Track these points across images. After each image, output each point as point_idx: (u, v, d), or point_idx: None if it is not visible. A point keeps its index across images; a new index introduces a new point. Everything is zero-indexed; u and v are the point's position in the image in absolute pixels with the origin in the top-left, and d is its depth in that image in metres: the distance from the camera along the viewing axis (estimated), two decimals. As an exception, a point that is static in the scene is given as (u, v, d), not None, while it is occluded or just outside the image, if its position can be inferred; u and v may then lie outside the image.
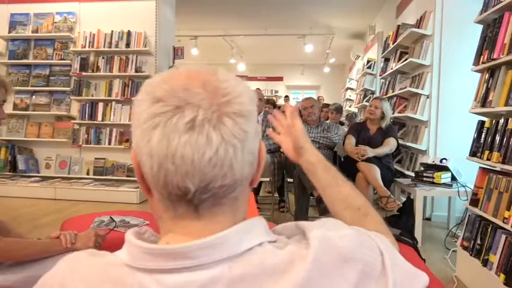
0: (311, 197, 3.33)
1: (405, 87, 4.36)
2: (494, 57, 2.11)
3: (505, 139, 2.02)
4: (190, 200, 0.46)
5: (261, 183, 4.06)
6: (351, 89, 9.74)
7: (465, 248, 2.40)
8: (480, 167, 2.34)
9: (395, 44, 4.55)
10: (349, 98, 9.74)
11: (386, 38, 5.21)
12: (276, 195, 4.07)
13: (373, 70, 6.74)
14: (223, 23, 8.17)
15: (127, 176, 4.80)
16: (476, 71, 2.39)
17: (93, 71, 4.75)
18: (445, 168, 3.26)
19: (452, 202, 3.49)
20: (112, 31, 4.72)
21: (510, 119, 2.01)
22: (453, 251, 2.86)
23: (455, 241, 2.95)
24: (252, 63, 11.46)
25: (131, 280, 0.45)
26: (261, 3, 6.79)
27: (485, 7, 2.29)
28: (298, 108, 5.17)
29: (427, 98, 3.86)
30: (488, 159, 2.16)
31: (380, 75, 5.39)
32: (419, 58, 3.87)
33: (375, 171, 3.20)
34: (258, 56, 11.09)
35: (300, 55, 10.45)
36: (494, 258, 2.07)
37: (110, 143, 4.79)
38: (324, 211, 3.00)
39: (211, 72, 0.49)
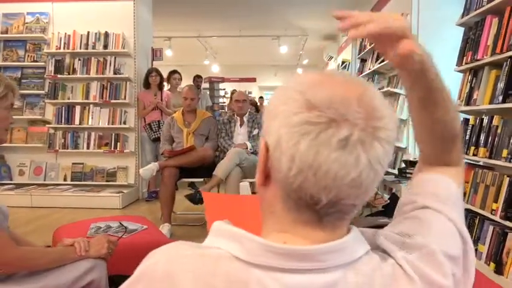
0: None
1: (383, 87, 4.52)
2: (478, 58, 2.24)
3: (490, 135, 2.15)
4: (317, 210, 0.46)
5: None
6: (324, 89, 9.94)
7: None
8: (465, 162, 2.47)
9: (372, 45, 4.69)
10: (322, 98, 9.92)
11: (362, 39, 5.36)
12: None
13: (348, 70, 6.91)
14: (197, 24, 8.11)
15: (107, 181, 4.68)
16: (459, 71, 2.51)
17: (69, 73, 4.59)
18: (427, 165, 3.40)
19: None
20: (88, 32, 4.58)
21: (495, 116, 2.13)
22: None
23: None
24: (226, 64, 11.45)
25: (245, 276, 0.45)
26: (235, 4, 6.81)
27: (467, 11, 2.42)
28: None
29: (406, 97, 4.00)
30: (474, 155, 2.29)
31: (357, 76, 5.52)
32: (398, 59, 4.00)
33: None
34: (231, 57, 11.09)
35: (273, 56, 10.55)
36: (483, 248, 2.19)
37: (88, 147, 4.65)
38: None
39: (362, 84, 0.48)
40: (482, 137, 2.21)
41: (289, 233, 0.48)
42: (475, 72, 2.36)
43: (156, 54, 5.08)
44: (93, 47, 4.56)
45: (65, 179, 4.68)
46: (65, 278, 1.27)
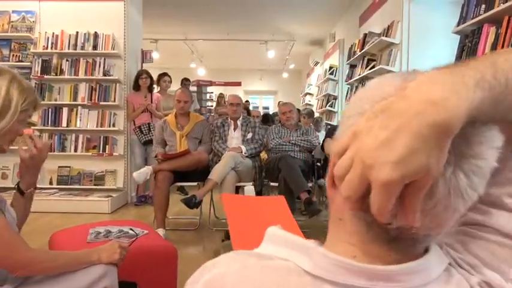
0: (296, 200, 3.38)
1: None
2: (476, 65, 2.30)
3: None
4: (388, 229, 0.42)
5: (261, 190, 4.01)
6: (310, 94, 10.03)
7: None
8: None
9: (362, 51, 4.77)
10: (308, 103, 10.01)
11: (352, 45, 5.44)
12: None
13: (335, 76, 6.99)
14: (184, 26, 8.07)
15: (94, 185, 4.57)
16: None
17: (56, 74, 4.48)
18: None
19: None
20: (77, 32, 4.49)
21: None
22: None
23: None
24: (212, 68, 11.41)
25: None
26: (224, 8, 6.80)
27: (463, 19, 2.49)
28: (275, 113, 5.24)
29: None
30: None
31: (346, 81, 5.61)
32: (389, 65, 4.09)
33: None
34: (217, 60, 11.07)
35: (260, 60, 10.59)
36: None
37: (76, 150, 4.53)
38: (313, 213, 3.06)
39: None
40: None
41: (356, 247, 0.45)
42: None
43: (146, 56, 5.02)
44: (82, 48, 4.47)
45: (50, 183, 4.55)
46: (77, 284, 1.22)
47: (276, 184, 3.57)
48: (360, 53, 4.89)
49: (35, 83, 4.48)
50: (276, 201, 1.29)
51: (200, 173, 3.53)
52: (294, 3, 6.39)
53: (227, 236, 3.25)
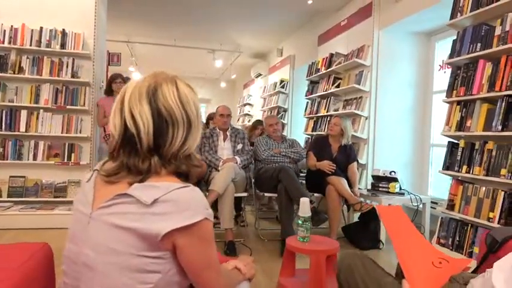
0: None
1: (338, 109, 4.98)
2: (473, 93, 2.72)
3: (485, 157, 2.63)
4: None
5: (240, 199, 4.02)
6: (250, 104, 10.29)
7: (442, 245, 2.95)
8: (455, 179, 2.93)
9: (329, 69, 5.14)
10: (248, 113, 10.26)
11: (313, 62, 5.80)
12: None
13: (286, 90, 7.33)
14: (126, 28, 7.67)
15: (55, 197, 4.12)
16: (448, 102, 3.00)
17: (14, 72, 3.96)
18: (394, 179, 3.89)
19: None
20: (41, 28, 4.04)
21: (489, 141, 2.63)
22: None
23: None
24: (147, 72, 10.96)
25: None
26: (171, 14, 6.65)
27: (457, 53, 2.92)
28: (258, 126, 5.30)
29: (366, 119, 4.50)
30: (467, 172, 2.75)
31: (306, 96, 5.94)
32: (360, 85, 4.49)
33: (345, 183, 3.61)
34: (156, 65, 10.69)
35: (196, 68, 10.54)
36: (478, 250, 2.64)
37: (35, 158, 4.04)
38: (318, 222, 3.23)
39: None
40: (477, 158, 2.69)
41: None
42: (464, 104, 2.86)
43: (112, 59, 4.71)
44: (48, 45, 4.03)
45: (0, 195, 3.98)
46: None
47: (271, 194, 3.68)
48: (325, 71, 5.26)
49: (-13, 81, 3.92)
50: (395, 210, 1.43)
51: (197, 184, 3.46)
52: (246, 16, 6.54)
53: (228, 247, 3.24)
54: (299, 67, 7.15)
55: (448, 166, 2.98)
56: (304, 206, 2.14)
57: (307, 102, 5.96)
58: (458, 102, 2.92)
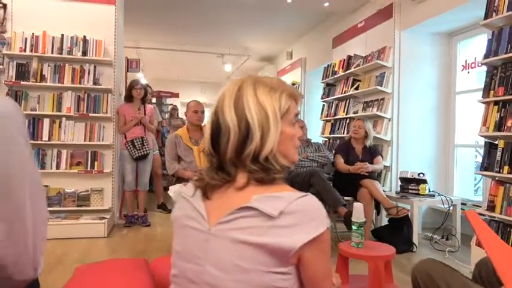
0: (334, 213, 3.47)
1: (357, 111, 4.95)
2: (513, 93, 2.70)
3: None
4: None
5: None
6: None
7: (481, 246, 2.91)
8: (494, 179, 2.90)
9: (348, 71, 5.12)
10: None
11: (329, 65, 5.77)
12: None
13: (300, 90, 7.30)
14: (135, 34, 7.63)
15: (78, 206, 4.06)
16: (484, 102, 2.98)
17: (36, 81, 3.91)
18: (424, 181, 3.85)
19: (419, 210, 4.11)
20: (62, 35, 3.99)
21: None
22: (448, 251, 3.43)
23: (434, 242, 3.61)
24: (151, 76, 10.93)
25: None
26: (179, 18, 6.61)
27: (493, 53, 2.90)
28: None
29: (389, 120, 4.48)
30: (509, 173, 2.72)
31: (322, 99, 5.91)
32: (382, 86, 4.47)
33: (379, 186, 3.58)
34: (161, 71, 10.70)
35: (199, 73, 10.53)
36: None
37: (58, 167, 3.99)
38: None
39: None
40: (519, 158, 2.66)
41: None
42: (503, 104, 2.83)
43: (131, 65, 4.67)
44: (69, 53, 3.99)
45: (23, 206, 3.91)
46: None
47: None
48: (343, 73, 5.23)
49: (9, 90, 3.86)
50: (477, 216, 1.39)
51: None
52: (255, 20, 6.51)
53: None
54: (311, 70, 7.13)
55: (486, 167, 2.95)
56: (358, 211, 2.10)
57: (324, 104, 5.93)
58: (496, 103, 2.90)
